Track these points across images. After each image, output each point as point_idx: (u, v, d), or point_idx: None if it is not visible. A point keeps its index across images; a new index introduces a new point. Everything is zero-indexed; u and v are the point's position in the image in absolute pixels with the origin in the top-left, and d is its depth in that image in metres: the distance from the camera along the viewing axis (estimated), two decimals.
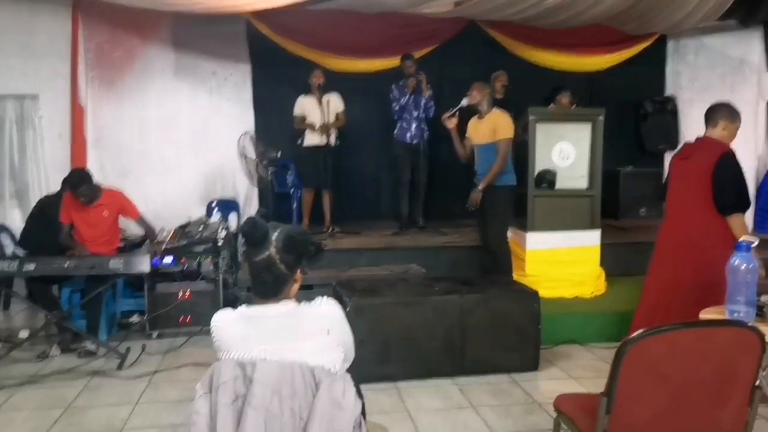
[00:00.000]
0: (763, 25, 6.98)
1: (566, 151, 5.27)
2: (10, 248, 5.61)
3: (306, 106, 6.18)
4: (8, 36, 6.46)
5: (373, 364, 3.68)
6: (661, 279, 3.83)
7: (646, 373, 1.98)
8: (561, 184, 5.28)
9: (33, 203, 6.08)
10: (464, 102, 5.08)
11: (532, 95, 6.40)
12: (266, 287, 1.91)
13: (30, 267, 4.21)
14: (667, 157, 7.74)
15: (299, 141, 6.26)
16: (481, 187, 4.97)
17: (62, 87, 6.58)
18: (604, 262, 5.34)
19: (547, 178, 5.27)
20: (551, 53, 7.15)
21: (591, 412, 2.16)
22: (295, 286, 1.97)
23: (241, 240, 6.10)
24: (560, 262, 5.16)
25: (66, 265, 4.29)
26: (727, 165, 3.44)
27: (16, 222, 6.32)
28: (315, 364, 1.84)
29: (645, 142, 7.51)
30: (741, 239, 2.68)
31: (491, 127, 4.98)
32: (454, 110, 5.10)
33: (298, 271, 1.95)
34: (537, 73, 7.10)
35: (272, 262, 1.88)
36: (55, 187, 5.39)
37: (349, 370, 2.03)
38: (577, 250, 5.21)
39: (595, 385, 3.70)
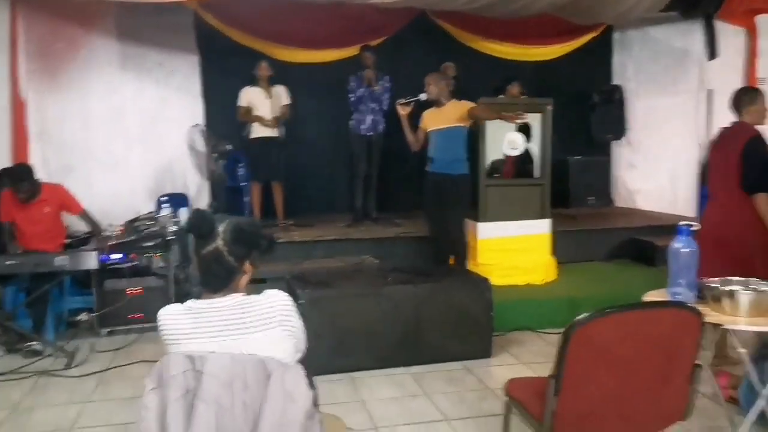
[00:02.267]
0: (704, 17, 7.19)
1: (515, 141, 5.35)
2: None
3: (253, 98, 6.10)
4: None
5: (328, 355, 3.69)
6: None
7: (593, 354, 2.04)
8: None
9: None
10: (422, 96, 5.04)
11: (482, 86, 6.47)
12: (215, 280, 1.89)
13: None
14: (614, 147, 7.97)
15: (245, 133, 6.18)
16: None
17: (1, 79, 6.33)
18: (554, 250, 5.46)
19: (499, 168, 5.35)
20: (501, 44, 7.24)
21: (540, 395, 2.21)
22: (245, 278, 1.96)
23: (191, 235, 6.04)
24: (512, 250, 5.25)
25: (8, 263, 4.15)
26: (754, 147, 3.55)
27: None
28: (266, 355, 1.83)
29: (593, 132, 7.67)
30: (680, 223, 2.76)
31: (454, 113, 4.96)
32: (410, 100, 5.06)
33: (248, 263, 1.94)
34: (487, 64, 7.19)
35: (220, 254, 1.87)
36: None
37: (302, 362, 2.03)
38: (528, 239, 5.31)
39: (546, 370, 3.74)
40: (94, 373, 3.96)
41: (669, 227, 5.97)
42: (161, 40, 6.72)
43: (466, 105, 4.96)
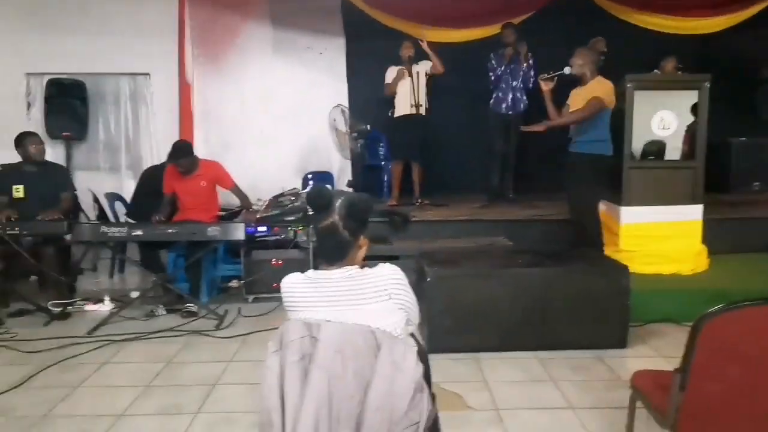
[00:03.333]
0: None
1: (667, 120, 4.99)
2: (122, 216, 6.07)
3: (394, 76, 6.19)
4: (122, 18, 6.90)
5: (452, 334, 3.72)
6: None
7: (723, 350, 1.90)
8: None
9: None
10: (566, 70, 4.83)
11: (636, 62, 6.08)
12: (330, 252, 1.98)
13: (138, 232, 4.56)
14: None
15: (390, 112, 6.31)
16: (549, 124, 4.82)
17: (171, 65, 6.98)
18: (707, 239, 5.04)
19: (654, 150, 5.01)
20: (656, 16, 6.72)
21: (665, 388, 2.10)
22: (361, 252, 2.03)
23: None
24: (657, 237, 4.93)
25: (169, 231, 4.60)
26: None
27: (131, 192, 6.83)
28: (377, 326, 1.90)
29: (760, 111, 6.94)
30: None
31: (591, 94, 4.73)
32: (554, 74, 4.87)
33: (362, 237, 2.00)
34: (639, 38, 6.71)
35: (335, 228, 1.95)
36: (164, 158, 5.76)
37: (415, 336, 2.07)
38: (675, 225, 4.95)
39: None
40: (239, 335, 4.30)
41: None
42: (310, 24, 7.04)
43: (598, 90, 4.70)
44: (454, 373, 3.48)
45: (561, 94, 5.04)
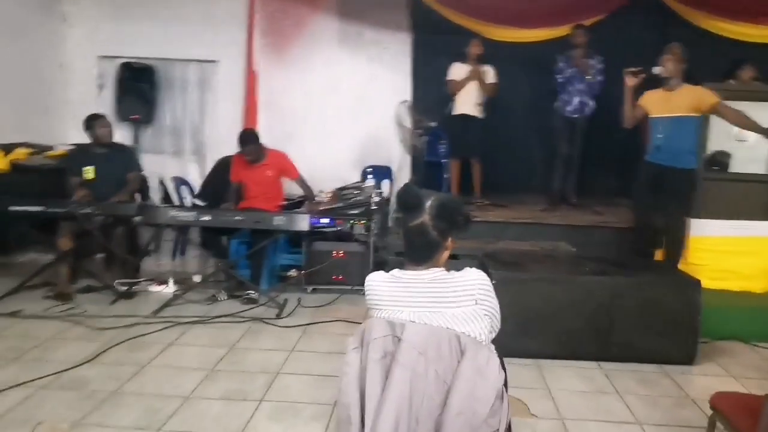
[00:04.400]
0: None
1: (745, 132, 4.82)
2: (188, 200, 6.21)
3: (460, 74, 6.15)
4: (194, 6, 7.05)
5: (514, 338, 3.65)
6: None
7: None
8: (738, 167, 4.85)
9: (209, 160, 6.71)
10: (655, 69, 4.60)
11: (710, 70, 5.88)
12: (418, 252, 1.98)
13: (206, 218, 4.66)
14: None
15: (448, 109, 6.26)
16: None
17: (238, 53, 7.09)
18: None
19: (720, 160, 4.86)
20: (734, 23, 6.49)
21: (753, 413, 2.03)
22: (446, 254, 2.02)
23: (393, 206, 6.32)
24: (729, 252, 4.76)
25: (236, 218, 4.68)
26: None
27: (194, 176, 6.99)
28: (461, 331, 1.89)
29: None
30: None
31: (689, 100, 4.50)
32: (641, 70, 4.65)
33: (449, 238, 2.00)
34: (717, 45, 6.49)
35: (425, 228, 1.95)
36: (227, 146, 5.86)
37: (493, 342, 2.06)
38: (749, 240, 4.77)
39: (758, 386, 3.44)
40: (300, 325, 4.35)
41: None
42: (377, 19, 7.05)
43: (706, 95, 4.46)
44: (516, 379, 3.42)
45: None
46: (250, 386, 3.35)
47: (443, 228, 1.96)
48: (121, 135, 6.62)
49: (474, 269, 1.99)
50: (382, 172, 6.85)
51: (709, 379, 3.62)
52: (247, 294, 4.80)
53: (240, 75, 7.12)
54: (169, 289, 4.99)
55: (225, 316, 4.47)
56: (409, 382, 1.84)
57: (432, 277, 1.95)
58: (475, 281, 1.95)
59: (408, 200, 1.98)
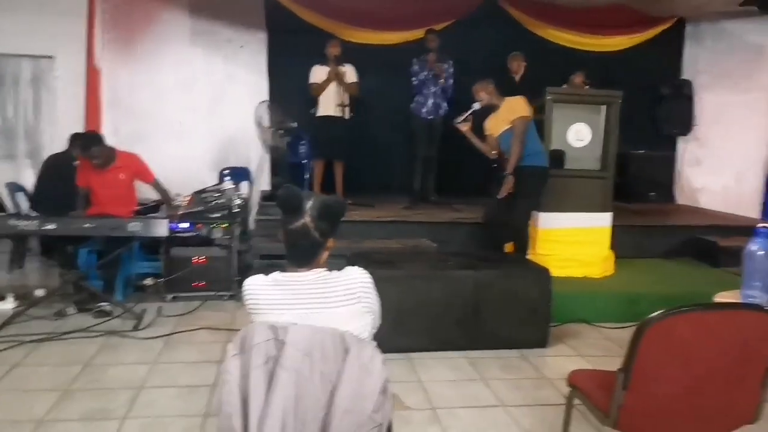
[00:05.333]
0: None
1: (582, 132, 5.28)
2: (25, 206, 5.66)
3: (322, 76, 6.17)
4: None
5: (387, 335, 3.70)
6: None
7: (667, 351, 2.03)
8: (575, 165, 5.30)
9: None
10: (476, 106, 4.99)
11: (549, 75, 6.39)
12: (301, 254, 1.96)
13: (51, 226, 4.27)
14: (680, 142, 7.76)
15: (312, 110, 6.27)
16: (508, 170, 4.86)
17: (78, 48, 6.58)
18: (613, 245, 5.38)
19: (558, 158, 5.28)
20: (569, 32, 7.14)
21: (606, 387, 2.21)
22: (326, 254, 2.02)
23: (254, 208, 6.18)
24: (571, 242, 5.20)
25: (86, 226, 4.34)
26: None
27: (30, 181, 6.38)
28: (345, 329, 1.90)
29: (659, 126, 7.50)
30: (759, 225, 2.71)
31: (505, 115, 4.91)
32: (467, 114, 4.99)
33: (331, 239, 2.00)
34: (553, 53, 7.09)
35: (307, 230, 1.93)
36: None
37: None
38: (587, 231, 5.25)
39: (604, 363, 3.75)
40: (161, 336, 4.13)
41: (734, 228, 5.89)
42: (231, 17, 6.88)
43: (515, 110, 4.86)
44: (390, 374, 3.51)
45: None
46: (111, 404, 3.13)
47: (325, 229, 1.95)
48: None
49: (355, 268, 2.01)
50: (240, 174, 6.68)
51: (561, 359, 3.93)
52: (100, 306, 4.47)
53: (81, 72, 6.61)
54: (8, 305, 4.53)
55: (77, 331, 4.14)
56: (295, 385, 1.81)
57: (314, 278, 1.94)
58: (357, 279, 1.96)
59: (289, 202, 1.95)
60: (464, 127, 5.02)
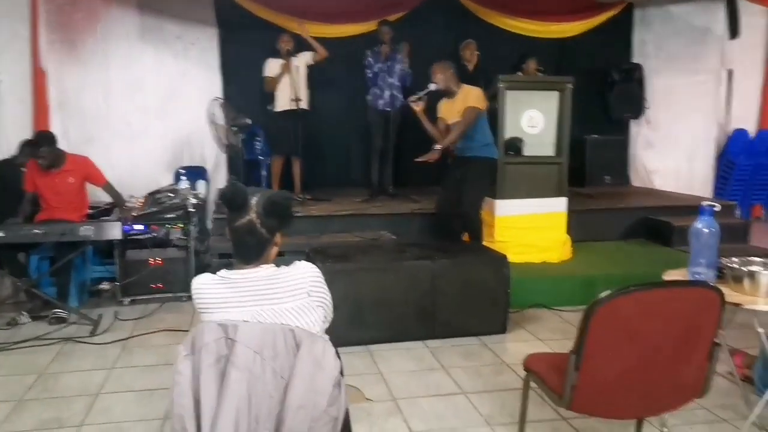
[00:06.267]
0: None
1: (535, 119, 5.34)
2: None
3: (276, 70, 6.10)
4: None
5: (346, 328, 3.74)
6: None
7: (615, 331, 2.07)
8: (530, 151, 5.34)
9: None
10: (431, 86, 4.99)
11: (502, 63, 6.46)
12: (247, 251, 1.94)
13: None
14: (632, 126, 7.91)
15: (270, 107, 6.20)
16: (441, 145, 4.92)
17: (22, 49, 6.37)
18: (570, 229, 5.47)
19: (515, 145, 5.34)
20: (520, 20, 7.18)
21: (559, 369, 2.25)
22: (274, 250, 2.00)
23: (211, 207, 6.11)
24: (528, 228, 5.26)
25: (36, 232, 4.22)
26: None
27: None
28: (296, 324, 1.89)
29: (611, 110, 7.63)
30: (703, 203, 2.78)
31: (462, 104, 4.94)
32: (422, 94, 4.99)
33: (278, 235, 1.98)
34: (506, 41, 7.14)
35: (253, 226, 1.91)
36: (14, 152, 5.28)
37: (326, 332, 2.08)
38: (544, 217, 5.31)
39: (562, 346, 3.81)
40: (118, 340, 4.05)
41: (686, 207, 6.02)
42: (180, 13, 6.73)
43: (468, 100, 4.91)
44: (349, 367, 3.47)
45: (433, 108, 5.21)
46: (66, 412, 3.06)
47: (272, 225, 1.93)
48: None
49: (304, 262, 2.00)
50: (196, 173, 6.57)
51: (520, 344, 3.98)
52: (54, 313, 4.37)
53: (26, 74, 6.40)
54: None
55: (30, 339, 4.04)
56: (247, 383, 1.80)
57: (262, 275, 1.92)
58: (305, 273, 1.95)
59: (234, 198, 1.92)
60: (417, 107, 5.01)
